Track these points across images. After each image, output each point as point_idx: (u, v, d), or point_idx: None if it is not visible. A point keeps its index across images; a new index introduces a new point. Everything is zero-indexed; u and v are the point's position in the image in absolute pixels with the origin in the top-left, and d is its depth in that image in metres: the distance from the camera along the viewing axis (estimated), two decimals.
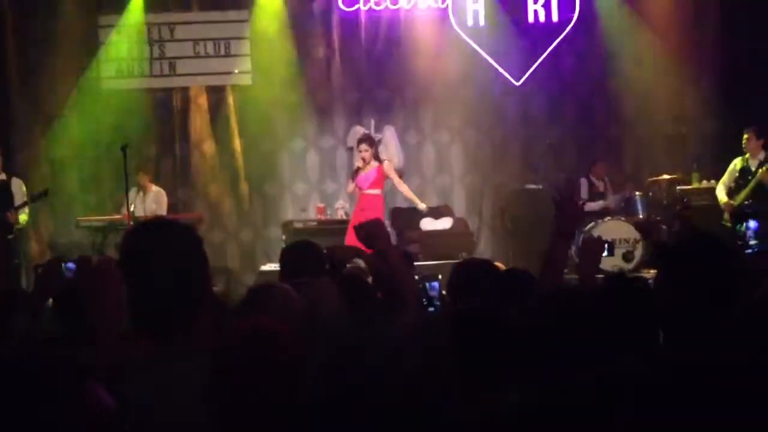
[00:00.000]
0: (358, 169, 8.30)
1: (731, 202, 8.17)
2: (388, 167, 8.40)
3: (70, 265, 2.68)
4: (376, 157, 8.35)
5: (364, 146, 8.28)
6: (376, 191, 8.28)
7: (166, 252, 1.93)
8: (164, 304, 1.90)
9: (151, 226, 2.09)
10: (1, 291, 3.05)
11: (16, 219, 7.47)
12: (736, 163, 8.25)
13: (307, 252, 3.74)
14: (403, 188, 8.68)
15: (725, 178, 8.32)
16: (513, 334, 1.70)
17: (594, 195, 9.06)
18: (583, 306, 2.15)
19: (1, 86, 9.26)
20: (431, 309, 3.03)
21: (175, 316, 1.90)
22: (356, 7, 9.67)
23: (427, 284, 3.03)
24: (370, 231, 2.63)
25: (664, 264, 2.08)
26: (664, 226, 8.69)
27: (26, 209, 7.66)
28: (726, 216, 8.22)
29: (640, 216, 8.75)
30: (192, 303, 1.92)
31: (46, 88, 9.32)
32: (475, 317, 1.74)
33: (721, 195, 8.27)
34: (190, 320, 1.88)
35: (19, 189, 7.65)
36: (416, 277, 3.89)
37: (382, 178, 8.30)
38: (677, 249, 2.10)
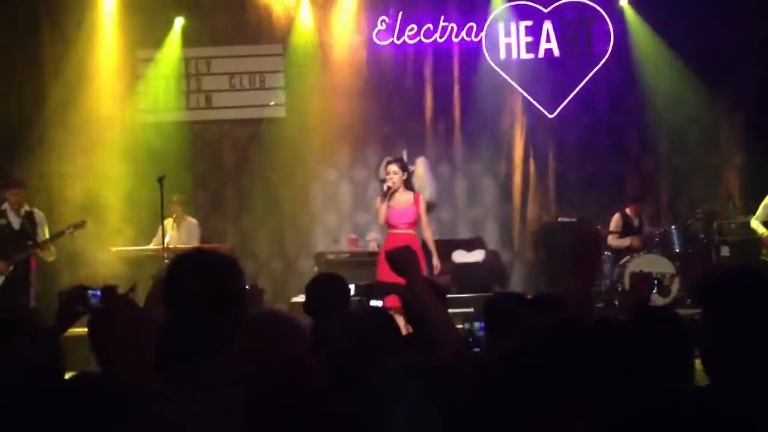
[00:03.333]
0: (389, 190, 6.98)
1: None
2: (423, 203, 7.11)
3: (95, 292, 2.68)
4: (409, 185, 7.11)
5: (394, 167, 7.03)
6: (412, 231, 7.03)
7: (208, 283, 1.94)
8: (201, 334, 1.90)
9: (193, 256, 2.09)
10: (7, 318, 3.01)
11: (51, 250, 7.53)
12: None
13: (332, 285, 3.76)
14: (428, 234, 7.27)
15: (759, 212, 8.22)
16: (557, 369, 1.67)
17: (627, 231, 8.91)
18: (617, 337, 2.11)
19: (39, 117, 9.45)
20: (476, 349, 2.98)
21: (212, 346, 1.90)
22: (390, 40, 9.76)
23: (475, 324, 2.98)
24: (400, 259, 2.58)
25: (706, 302, 2.02)
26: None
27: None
28: (765, 251, 8.09)
29: (677, 250, 8.62)
30: (228, 335, 1.92)
31: (83, 120, 9.50)
32: (525, 355, 1.71)
33: (761, 228, 8.15)
34: (226, 350, 1.88)
35: (42, 220, 7.72)
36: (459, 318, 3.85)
37: (419, 217, 7.06)
38: (720, 284, 2.03)
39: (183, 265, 2.04)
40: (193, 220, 8.99)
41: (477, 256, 9.26)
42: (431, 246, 7.18)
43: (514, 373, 1.70)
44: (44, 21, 9.62)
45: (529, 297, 3.65)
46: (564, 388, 1.60)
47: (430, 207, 9.58)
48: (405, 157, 9.51)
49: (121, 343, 2.30)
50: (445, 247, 9.17)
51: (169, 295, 2.00)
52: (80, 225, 7.64)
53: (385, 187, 7.01)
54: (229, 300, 1.97)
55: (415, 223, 7.04)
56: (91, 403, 1.62)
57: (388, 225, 7.05)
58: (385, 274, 5.91)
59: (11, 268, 7.26)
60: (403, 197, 7.02)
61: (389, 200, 6.95)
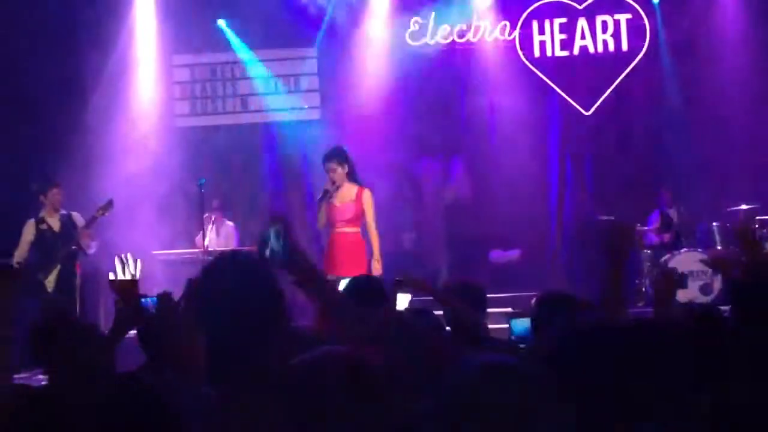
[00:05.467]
0: (327, 193, 6.30)
1: None
2: (368, 198, 6.33)
3: (151, 299, 2.72)
4: (353, 178, 6.36)
5: (331, 164, 6.27)
6: (353, 229, 6.31)
7: (245, 286, 1.95)
8: (240, 340, 1.90)
9: (229, 259, 2.08)
10: (80, 324, 3.11)
11: (91, 236, 7.51)
12: None
13: (368, 285, 3.77)
14: (372, 233, 6.35)
15: None
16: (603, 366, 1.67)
17: (667, 225, 8.84)
18: (661, 339, 2.09)
19: (80, 123, 9.61)
20: (522, 345, 2.98)
21: (252, 351, 1.90)
22: (423, 41, 9.76)
23: (512, 320, 2.97)
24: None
25: (737, 301, 2.01)
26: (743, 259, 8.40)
27: (55, 271, 7.54)
28: None
29: (718, 247, 8.50)
30: (267, 338, 1.92)
31: (123, 126, 9.64)
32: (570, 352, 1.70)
33: None
34: (266, 355, 1.88)
35: (80, 221, 7.75)
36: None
37: (361, 212, 6.30)
38: (750, 284, 2.01)
39: (219, 267, 2.04)
40: (231, 224, 9.08)
41: (514, 254, 9.22)
42: (375, 246, 6.32)
43: (558, 372, 1.69)
44: (82, 29, 9.77)
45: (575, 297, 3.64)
46: (611, 388, 1.59)
47: (466, 206, 9.60)
48: (440, 158, 9.55)
49: (175, 346, 2.34)
50: (482, 246, 9.14)
51: (203, 304, 2.00)
52: (108, 205, 7.59)
53: (324, 189, 6.35)
54: (266, 301, 1.97)
55: (356, 220, 6.32)
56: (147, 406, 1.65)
57: (330, 223, 6.39)
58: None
59: (58, 267, 7.35)
60: (346, 193, 6.30)
61: (331, 198, 6.31)
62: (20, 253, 7.31)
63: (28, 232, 7.38)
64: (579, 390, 1.64)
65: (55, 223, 7.48)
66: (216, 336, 1.95)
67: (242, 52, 9.90)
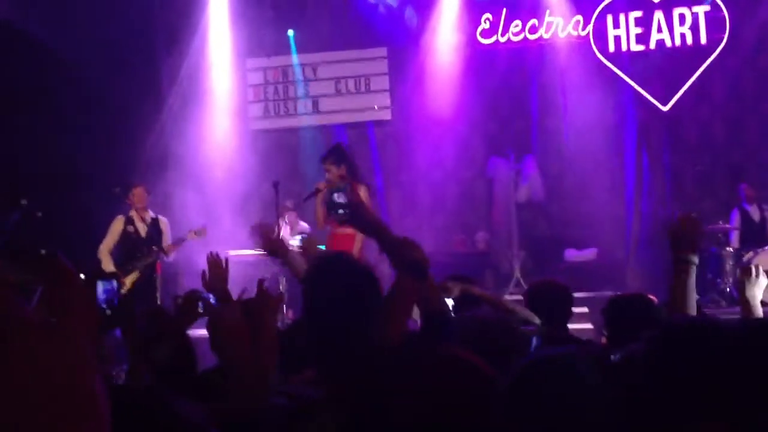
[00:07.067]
0: (316, 191, 6.06)
1: None
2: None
3: (207, 296, 2.75)
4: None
5: (326, 164, 6.06)
6: (348, 230, 5.69)
7: (348, 290, 1.98)
8: (341, 342, 1.93)
9: (335, 262, 2.14)
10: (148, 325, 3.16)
11: (174, 250, 7.70)
12: None
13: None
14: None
15: None
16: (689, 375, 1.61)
17: (747, 221, 8.53)
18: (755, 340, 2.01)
19: (156, 124, 9.86)
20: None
21: (349, 354, 1.92)
22: (494, 39, 9.68)
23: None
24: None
25: None
26: None
27: (133, 275, 7.56)
28: None
29: None
30: (366, 344, 1.94)
31: (198, 127, 9.85)
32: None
33: None
34: (361, 362, 1.89)
35: (166, 227, 7.94)
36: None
37: None
38: None
39: (320, 277, 2.08)
40: (305, 225, 9.17)
41: (590, 253, 9.05)
42: (357, 242, 5.92)
43: (659, 378, 1.65)
44: (159, 35, 10.04)
45: (651, 297, 3.53)
46: (713, 393, 1.54)
47: (539, 205, 9.47)
48: (512, 156, 9.43)
49: (239, 344, 2.36)
50: (557, 245, 9.01)
51: (306, 305, 2.04)
52: (201, 231, 7.81)
53: (314, 188, 6.12)
54: (366, 302, 2.00)
55: None
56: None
57: (327, 223, 6.12)
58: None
59: (137, 274, 7.53)
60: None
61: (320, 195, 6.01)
62: (105, 247, 7.49)
63: (116, 228, 7.54)
64: (668, 389, 1.60)
65: (142, 227, 7.62)
66: (312, 333, 1.99)
67: (310, 56, 9.99)
